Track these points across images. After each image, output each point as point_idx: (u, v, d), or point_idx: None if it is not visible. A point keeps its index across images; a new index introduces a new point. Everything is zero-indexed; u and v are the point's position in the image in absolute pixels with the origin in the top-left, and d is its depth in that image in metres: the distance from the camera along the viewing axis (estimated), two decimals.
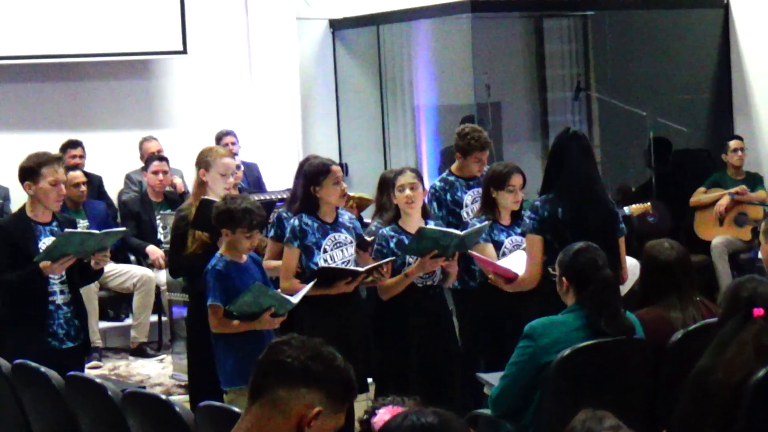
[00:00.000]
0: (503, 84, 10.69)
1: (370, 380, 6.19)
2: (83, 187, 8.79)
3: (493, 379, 4.93)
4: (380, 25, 10.77)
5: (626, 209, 8.07)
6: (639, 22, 10.89)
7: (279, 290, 5.76)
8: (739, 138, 9.90)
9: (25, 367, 5.08)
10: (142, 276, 8.76)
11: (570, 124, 10.24)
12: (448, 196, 6.84)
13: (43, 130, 9.66)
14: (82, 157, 9.37)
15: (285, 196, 6.81)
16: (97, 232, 6.07)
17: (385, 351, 6.07)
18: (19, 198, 7.67)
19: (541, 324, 4.59)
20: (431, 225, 6.09)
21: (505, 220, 6.30)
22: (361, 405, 4.06)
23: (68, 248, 5.68)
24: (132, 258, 9.19)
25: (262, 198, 7.04)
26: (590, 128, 10.83)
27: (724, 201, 9.56)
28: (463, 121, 9.18)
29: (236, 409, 3.96)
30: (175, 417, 4.15)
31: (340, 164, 7.81)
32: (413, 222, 6.05)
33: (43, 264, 5.66)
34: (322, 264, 5.87)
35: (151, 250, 8.89)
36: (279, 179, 9.70)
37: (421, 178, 6.14)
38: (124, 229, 7.24)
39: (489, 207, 6.30)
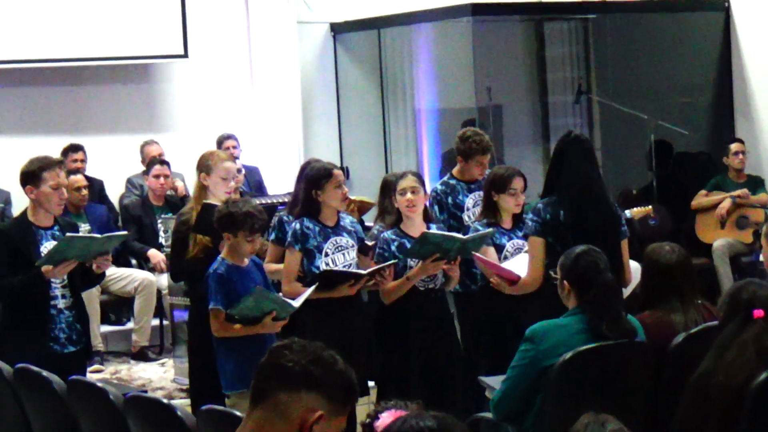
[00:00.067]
0: (504, 87, 10.69)
1: (371, 384, 6.19)
2: (84, 191, 8.79)
3: (494, 382, 4.92)
4: (381, 28, 10.78)
5: (627, 212, 8.07)
6: (640, 26, 10.89)
7: (280, 294, 5.76)
8: (740, 141, 9.90)
9: (27, 372, 5.09)
10: (143, 280, 8.76)
11: (571, 127, 10.23)
12: (450, 200, 6.85)
13: (45, 134, 9.67)
14: (83, 161, 9.37)
15: (286, 200, 6.81)
16: (98, 236, 6.07)
17: (387, 354, 6.07)
18: (20, 202, 7.67)
19: (543, 327, 4.58)
20: (433, 229, 6.09)
21: (507, 223, 6.31)
22: (362, 408, 4.06)
23: (70, 252, 5.68)
24: (133, 262, 9.19)
25: (264, 202, 7.04)
26: (591, 131, 10.82)
27: (726, 204, 9.56)
28: (464, 125, 9.18)
29: (238, 413, 3.97)
30: (176, 421, 4.16)
31: (341, 168, 7.81)
32: (415, 226, 6.05)
33: (45, 268, 5.66)
34: (323, 267, 5.87)
35: (153, 253, 8.90)
36: (280, 183, 9.70)
37: (422, 182, 6.14)
38: (125, 232, 7.26)
39: (490, 210, 6.30)
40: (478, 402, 5.95)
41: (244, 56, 10.54)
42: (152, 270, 8.92)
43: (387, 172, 10.21)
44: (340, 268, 5.93)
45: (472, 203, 6.82)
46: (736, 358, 4.03)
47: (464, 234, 6.28)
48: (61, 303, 5.86)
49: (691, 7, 10.89)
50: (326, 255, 5.93)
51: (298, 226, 5.93)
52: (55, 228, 5.91)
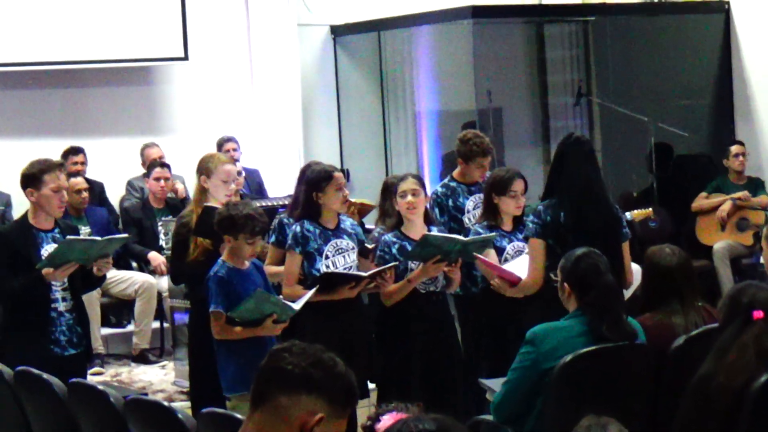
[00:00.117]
0: (504, 90, 10.69)
1: (372, 386, 6.19)
2: (85, 194, 8.79)
3: (495, 384, 4.92)
4: (381, 31, 10.78)
5: (628, 214, 8.06)
6: (640, 28, 10.89)
7: (281, 296, 5.76)
8: (741, 143, 9.90)
9: (28, 374, 5.09)
10: (143, 282, 8.76)
11: (571, 129, 10.24)
12: (450, 202, 6.85)
13: (45, 137, 9.66)
14: (83, 163, 9.38)
15: (287, 203, 6.81)
16: (99, 238, 6.07)
17: (388, 357, 6.07)
18: (20, 205, 7.67)
19: (543, 330, 4.59)
20: (434, 231, 6.09)
21: (507, 225, 6.30)
22: (363, 411, 4.06)
23: (70, 255, 5.68)
24: (134, 264, 9.20)
25: (264, 204, 7.05)
26: (591, 134, 10.82)
27: (726, 206, 9.56)
28: (465, 127, 9.18)
29: (238, 416, 3.97)
30: (177, 424, 4.16)
31: (342, 170, 7.81)
32: (416, 228, 6.05)
33: (46, 271, 5.66)
34: (324, 270, 5.87)
35: (153, 256, 8.90)
36: (280, 185, 9.70)
37: (423, 184, 6.14)
38: (126, 235, 7.25)
39: (491, 213, 6.30)
40: (478, 404, 5.95)
41: (245, 59, 10.54)
42: (153, 273, 8.93)
43: (387, 174, 10.21)
44: (340, 270, 5.93)
45: (472, 206, 6.82)
46: (737, 359, 4.04)
47: (465, 237, 6.27)
48: (61, 306, 5.86)
49: (691, 9, 10.89)
50: (327, 257, 5.93)
51: (298, 228, 5.93)
52: (56, 231, 5.91)
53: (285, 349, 2.71)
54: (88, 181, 9.02)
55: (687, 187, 10.05)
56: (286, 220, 6.28)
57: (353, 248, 6.02)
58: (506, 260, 6.20)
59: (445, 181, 7.01)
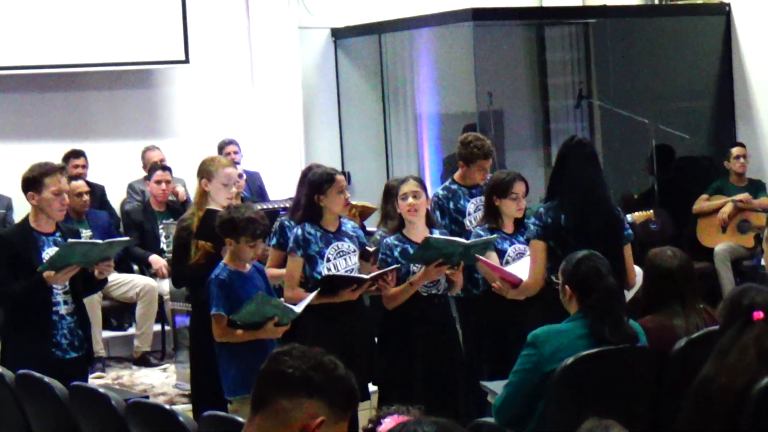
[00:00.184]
0: (505, 92, 10.69)
1: (374, 388, 6.19)
2: (86, 197, 8.80)
3: (496, 387, 4.92)
4: (382, 33, 10.78)
5: (629, 216, 8.06)
6: (640, 30, 10.89)
7: (282, 299, 5.76)
8: (742, 145, 9.90)
9: (29, 377, 5.09)
10: (145, 285, 8.76)
11: (572, 132, 10.24)
12: (451, 205, 6.85)
13: (46, 140, 9.67)
14: (84, 166, 9.38)
15: (288, 205, 6.82)
16: (100, 241, 6.07)
17: (390, 359, 6.07)
18: (22, 208, 7.67)
19: (545, 332, 4.59)
20: (436, 234, 6.09)
21: (508, 228, 6.30)
22: (364, 413, 4.06)
23: (72, 258, 5.69)
24: (135, 267, 9.20)
25: (266, 207, 7.05)
26: (592, 136, 10.82)
27: (727, 208, 9.56)
28: (466, 130, 9.19)
29: (240, 419, 3.97)
30: (178, 427, 4.16)
31: (343, 173, 7.81)
32: (417, 231, 6.05)
33: (47, 274, 5.66)
34: (325, 273, 5.87)
35: (154, 259, 8.90)
36: (281, 188, 9.70)
37: (424, 187, 6.14)
38: (127, 238, 7.24)
39: (492, 215, 6.30)
40: (480, 407, 5.94)
41: (245, 61, 10.55)
42: (154, 275, 8.93)
43: (388, 177, 10.22)
44: (342, 273, 5.93)
45: (473, 208, 6.82)
46: (738, 360, 4.04)
47: (466, 239, 6.27)
48: (62, 309, 5.86)
49: (692, 12, 10.90)
50: (328, 260, 5.93)
51: (299, 231, 5.93)
52: (57, 234, 5.91)
53: (285, 352, 2.71)
54: (89, 184, 9.02)
55: (688, 189, 10.05)
56: (287, 223, 6.28)
57: (355, 251, 6.03)
58: (507, 263, 6.19)
59: (446, 183, 7.02)
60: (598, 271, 4.61)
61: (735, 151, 9.78)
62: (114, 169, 9.88)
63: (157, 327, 8.98)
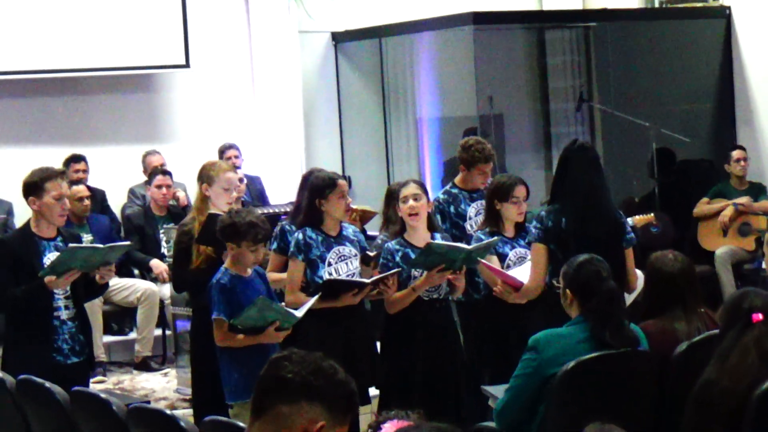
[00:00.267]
0: (506, 96, 10.70)
1: (374, 392, 6.19)
2: (87, 202, 8.80)
3: (497, 391, 4.92)
4: (382, 37, 10.79)
5: (630, 220, 8.06)
6: (641, 33, 10.90)
7: (283, 304, 5.76)
8: (742, 148, 9.90)
9: (30, 383, 5.08)
10: (145, 290, 8.76)
11: (572, 135, 10.24)
12: (452, 209, 6.84)
13: (47, 145, 9.68)
14: (85, 171, 9.38)
15: (289, 209, 6.81)
16: (101, 246, 6.07)
17: (391, 363, 6.07)
18: (22, 212, 7.67)
19: (546, 336, 4.58)
20: (438, 238, 6.08)
21: (509, 232, 6.30)
22: (365, 417, 4.05)
23: (73, 263, 5.68)
24: (136, 272, 9.20)
25: (267, 211, 7.05)
26: (593, 139, 10.83)
27: (728, 211, 9.55)
28: (466, 133, 9.19)
29: (241, 424, 3.96)
30: (179, 431, 4.15)
31: (343, 177, 7.81)
32: (419, 235, 6.04)
33: (48, 279, 5.66)
34: (326, 277, 5.87)
35: (155, 263, 8.90)
36: (282, 192, 9.70)
37: (425, 190, 6.13)
38: (128, 243, 7.24)
39: (493, 219, 6.30)
40: (481, 411, 5.94)
41: (246, 66, 10.55)
42: (155, 280, 8.93)
43: (389, 181, 10.22)
44: (343, 277, 5.93)
45: (474, 212, 6.82)
46: (739, 363, 4.04)
47: (467, 243, 6.27)
48: (64, 314, 5.86)
49: (692, 15, 10.90)
50: (329, 264, 5.93)
51: (300, 236, 5.93)
52: (58, 239, 5.91)
53: (284, 357, 2.71)
54: (89, 188, 9.02)
55: (689, 193, 10.06)
56: (287, 227, 6.27)
57: (356, 255, 6.02)
58: (509, 266, 6.19)
59: (447, 187, 7.01)
60: (599, 275, 4.61)
61: (735, 154, 9.78)
62: (115, 174, 9.88)
63: (158, 331, 8.98)
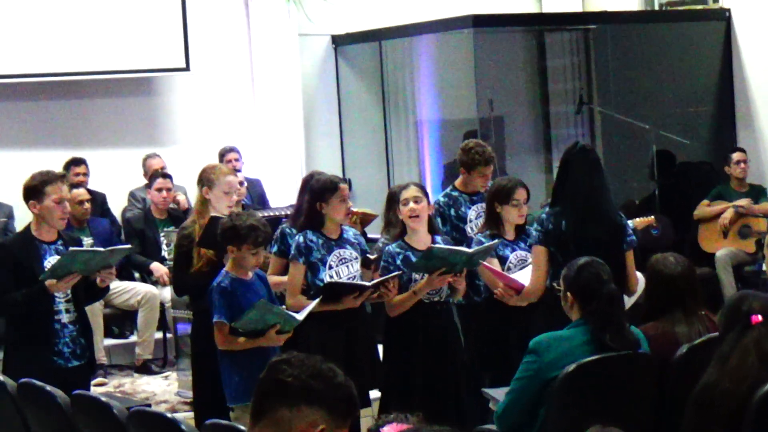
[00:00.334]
0: (506, 98, 10.70)
1: (375, 395, 6.19)
2: (87, 205, 8.79)
3: (498, 394, 4.92)
4: (382, 40, 10.79)
5: (630, 222, 8.06)
6: (641, 36, 10.90)
7: (284, 307, 5.76)
8: (742, 150, 9.90)
9: (31, 386, 5.08)
10: (146, 293, 8.76)
11: (573, 138, 10.25)
12: (452, 212, 6.85)
13: (47, 148, 9.67)
14: (85, 174, 9.38)
15: (289, 212, 6.82)
16: (102, 249, 6.07)
17: (392, 366, 6.07)
18: (23, 216, 7.67)
19: (546, 339, 4.59)
20: (439, 241, 6.08)
21: (510, 234, 6.30)
22: (366, 420, 4.06)
23: (73, 266, 5.69)
24: (136, 275, 9.20)
25: (267, 214, 7.05)
26: (593, 142, 10.82)
27: (728, 214, 9.56)
28: (466, 136, 9.19)
29: (242, 427, 3.97)
30: None
31: (344, 180, 7.81)
32: (420, 238, 6.04)
33: (49, 282, 5.67)
34: (327, 280, 5.87)
35: (156, 267, 8.90)
36: (282, 195, 9.70)
37: (426, 193, 6.13)
38: (129, 246, 7.25)
39: (493, 222, 6.30)
40: (482, 414, 5.94)
41: (246, 69, 10.56)
42: (155, 283, 8.93)
43: (389, 184, 10.23)
44: (344, 280, 5.93)
45: (474, 215, 6.82)
46: (740, 364, 4.04)
47: (467, 246, 6.27)
48: (64, 317, 5.86)
49: (692, 17, 10.91)
50: (330, 267, 5.93)
51: (301, 239, 5.93)
52: (59, 242, 5.91)
53: (284, 360, 2.71)
54: (90, 192, 9.02)
55: (689, 195, 10.06)
56: (288, 230, 6.28)
57: (356, 258, 6.03)
58: (509, 269, 6.19)
59: (447, 190, 7.01)
60: (600, 277, 4.61)
61: (735, 156, 9.79)
62: (115, 177, 9.88)
63: (159, 335, 8.98)
